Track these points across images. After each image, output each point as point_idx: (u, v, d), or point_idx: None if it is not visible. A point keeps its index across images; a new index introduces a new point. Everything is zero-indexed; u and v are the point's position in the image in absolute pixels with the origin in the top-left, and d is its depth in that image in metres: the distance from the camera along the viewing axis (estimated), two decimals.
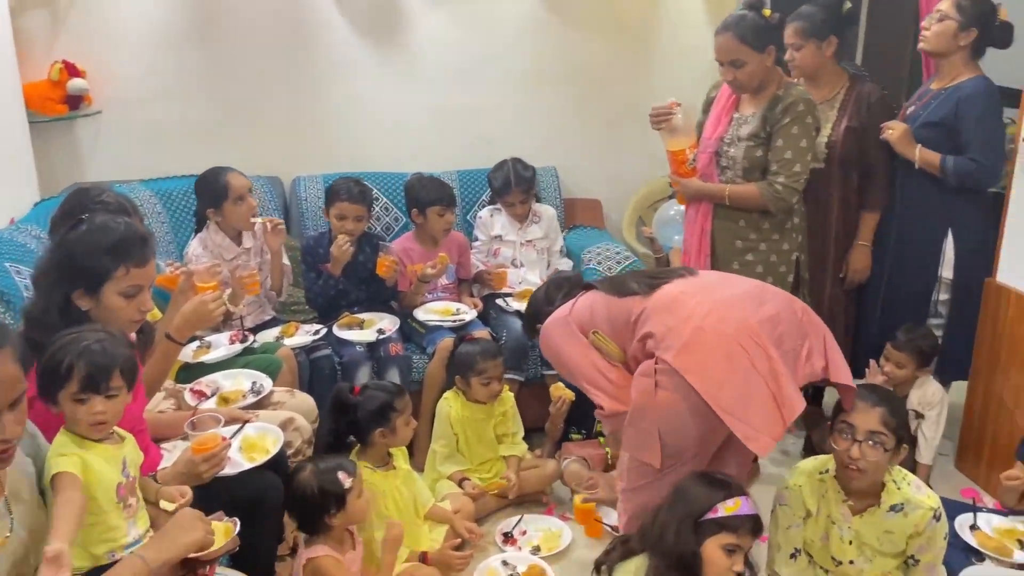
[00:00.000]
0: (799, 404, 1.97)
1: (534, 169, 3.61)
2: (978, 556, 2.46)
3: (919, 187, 3.01)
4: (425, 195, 3.37)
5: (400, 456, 2.63)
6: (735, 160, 2.80)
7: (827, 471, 2.17)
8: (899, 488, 2.12)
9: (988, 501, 2.79)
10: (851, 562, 2.19)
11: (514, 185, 3.53)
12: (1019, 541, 2.51)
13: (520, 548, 2.72)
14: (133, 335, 2.02)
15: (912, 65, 3.01)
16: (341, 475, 2.17)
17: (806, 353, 2.07)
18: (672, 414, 2.02)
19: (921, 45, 2.99)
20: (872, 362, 2.99)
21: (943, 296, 3.08)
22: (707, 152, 2.87)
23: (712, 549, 1.86)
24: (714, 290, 2.12)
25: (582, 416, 3.15)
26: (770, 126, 2.74)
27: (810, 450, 3.25)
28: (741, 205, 2.80)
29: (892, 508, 2.12)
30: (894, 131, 2.94)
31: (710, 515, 1.88)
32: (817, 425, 3.26)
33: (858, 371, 3.28)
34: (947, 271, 3.04)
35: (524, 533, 2.80)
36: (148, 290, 1.99)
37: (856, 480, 2.07)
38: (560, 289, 2.45)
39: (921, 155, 2.92)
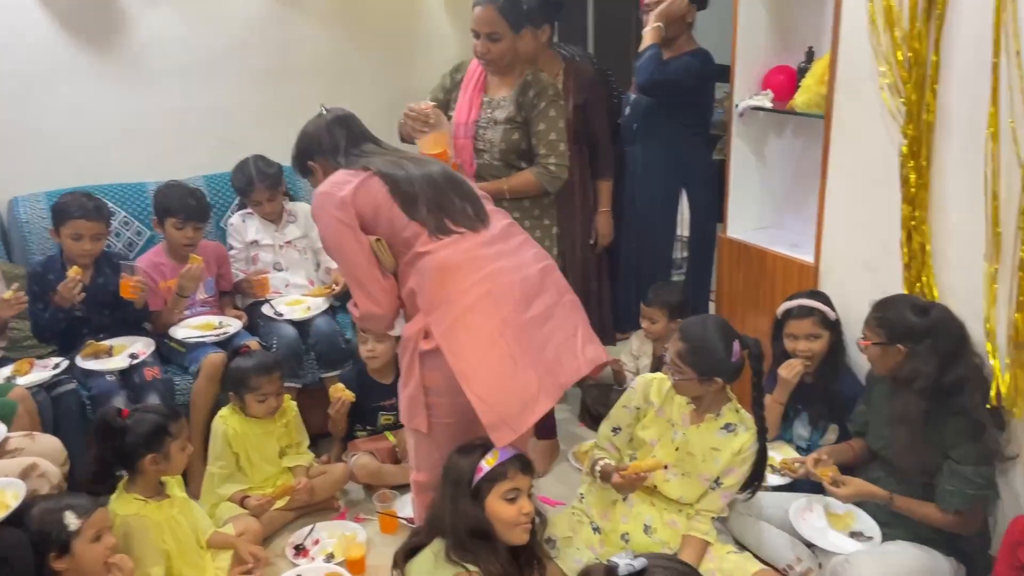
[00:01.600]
0: (544, 404, 2.03)
1: (279, 166, 3.44)
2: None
3: (654, 155, 3.31)
4: (161, 204, 3.13)
5: (174, 484, 2.43)
6: (492, 143, 2.86)
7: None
8: (737, 411, 2.39)
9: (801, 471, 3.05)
10: (667, 467, 2.36)
11: (257, 183, 3.36)
12: (770, 467, 2.81)
13: (313, 559, 2.63)
14: None
15: (638, 43, 3.23)
16: (68, 515, 1.94)
17: (582, 342, 2.17)
18: (435, 383, 2.08)
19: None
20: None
21: (684, 254, 3.40)
22: (466, 137, 2.91)
23: (494, 504, 1.92)
24: (498, 270, 2.11)
25: (366, 412, 3.10)
26: (526, 111, 2.82)
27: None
28: (520, 194, 2.87)
29: (726, 426, 2.35)
30: None
31: (478, 476, 1.93)
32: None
33: (621, 328, 3.52)
34: (684, 229, 3.36)
35: (317, 542, 2.71)
36: None
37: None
38: (343, 129, 2.29)
39: None
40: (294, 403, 2.94)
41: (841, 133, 2.69)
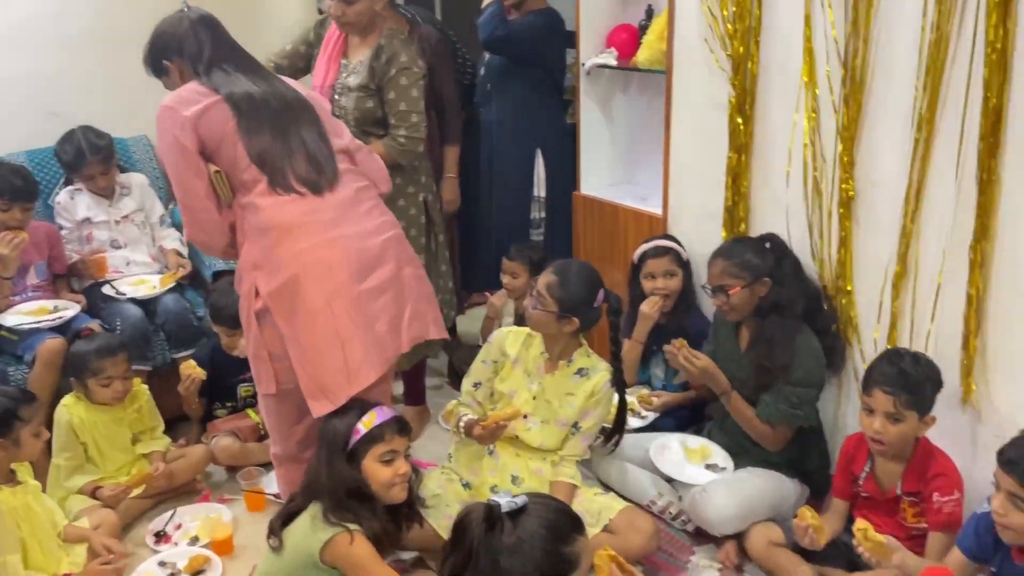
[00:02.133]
0: (368, 377, 2.03)
1: (110, 136, 3.22)
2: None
3: (508, 116, 3.33)
4: None
5: (24, 471, 2.27)
6: (347, 110, 2.78)
7: (531, 334, 2.47)
8: (588, 355, 2.43)
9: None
10: (526, 417, 2.41)
11: (89, 156, 3.12)
12: (631, 410, 2.92)
13: (176, 543, 2.52)
14: None
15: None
16: None
17: (408, 318, 2.16)
18: (272, 345, 2.05)
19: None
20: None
21: (542, 214, 3.45)
22: None
23: (371, 465, 1.91)
24: (335, 237, 2.06)
25: (225, 389, 2.99)
26: (378, 79, 2.74)
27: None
28: None
29: (579, 371, 2.40)
30: None
31: (354, 438, 1.91)
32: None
33: (480, 290, 3.53)
34: (541, 190, 3.42)
35: (179, 527, 2.60)
36: None
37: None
38: (208, 32, 2.12)
39: None
40: (145, 387, 2.79)
41: (681, 88, 2.80)
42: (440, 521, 2.30)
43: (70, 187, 3.23)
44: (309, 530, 1.85)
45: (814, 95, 2.36)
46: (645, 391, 2.89)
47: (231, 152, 2.02)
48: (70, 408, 2.59)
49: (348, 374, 2.02)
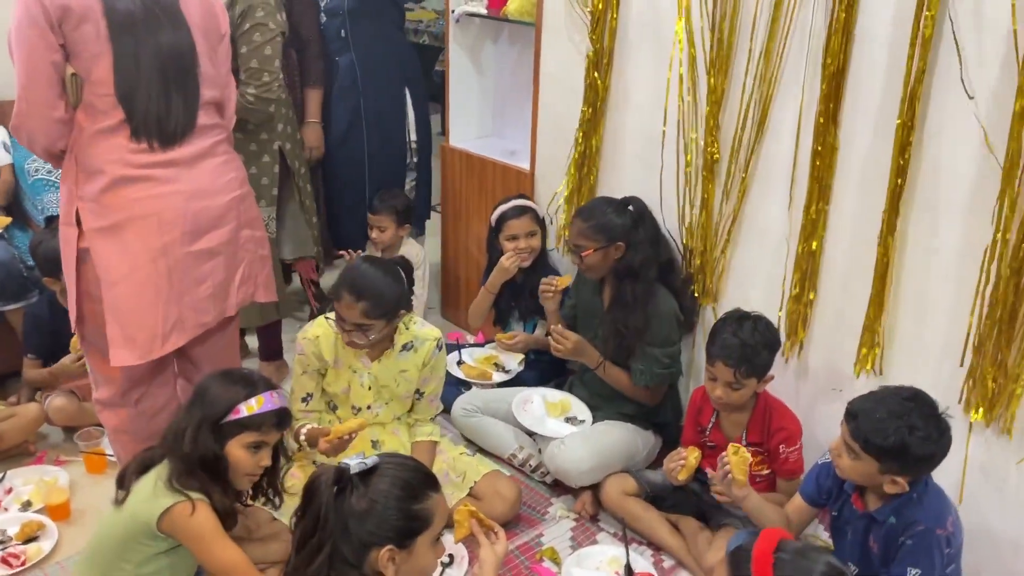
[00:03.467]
0: (175, 343, 2.01)
1: None
2: (467, 386, 2.83)
3: (374, 59, 3.20)
4: None
5: None
6: None
7: None
8: (407, 328, 2.33)
9: (469, 339, 3.18)
10: (369, 407, 2.34)
11: None
12: (495, 364, 2.94)
13: (7, 509, 2.34)
14: None
15: None
16: None
17: (239, 280, 2.12)
18: (90, 282, 1.97)
19: None
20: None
21: (414, 159, 3.38)
22: None
23: (236, 449, 1.79)
24: (173, 193, 1.95)
25: (63, 345, 2.75)
26: (232, 30, 2.55)
27: None
28: None
29: (404, 347, 2.33)
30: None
31: (231, 416, 1.78)
32: None
33: (348, 243, 3.40)
34: (412, 133, 3.34)
35: (10, 491, 2.41)
36: None
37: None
38: None
39: None
40: None
41: (549, 41, 2.78)
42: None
43: None
44: (150, 494, 1.74)
45: (686, 55, 2.37)
46: (501, 334, 2.89)
47: (91, 66, 1.85)
48: None
49: (159, 336, 1.98)
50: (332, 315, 2.30)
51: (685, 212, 2.50)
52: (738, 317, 2.14)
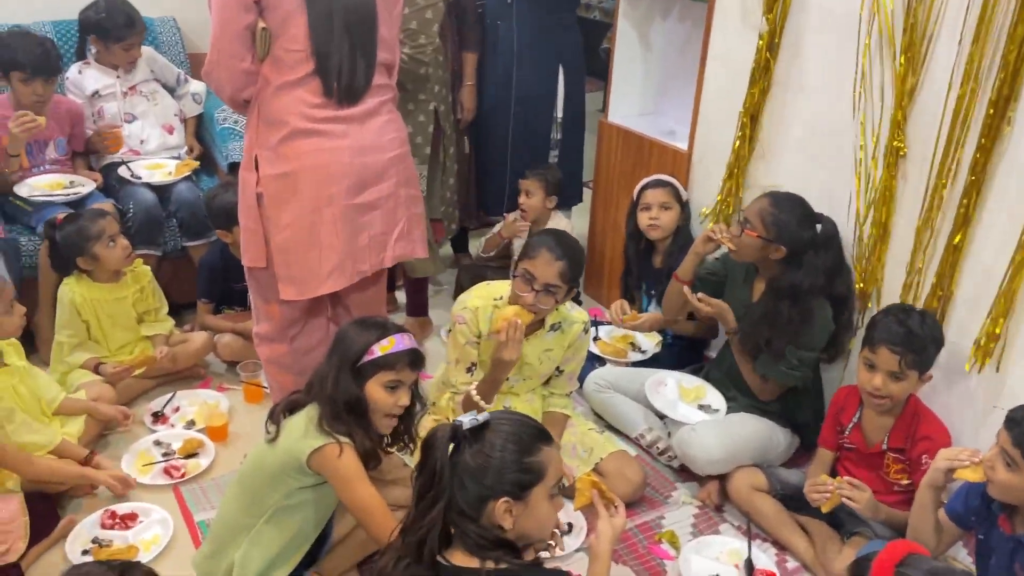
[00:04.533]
0: (334, 286, 2.13)
1: None
2: (600, 361, 2.83)
3: (532, 33, 3.22)
4: (4, 56, 2.83)
5: (13, 352, 2.30)
6: None
7: (501, 298, 2.30)
8: (558, 309, 2.32)
9: (607, 316, 3.17)
10: (508, 378, 2.35)
11: (139, 23, 3.09)
12: (631, 344, 2.93)
13: (173, 425, 2.58)
14: None
15: None
16: None
17: (397, 236, 2.22)
18: (265, 221, 2.11)
19: None
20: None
21: (558, 135, 3.39)
22: None
23: (374, 389, 1.87)
24: (342, 148, 2.08)
25: (234, 293, 2.96)
26: None
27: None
28: None
29: (552, 327, 2.34)
30: None
31: (367, 357, 1.87)
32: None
33: (487, 209, 3.46)
34: (559, 110, 3.35)
35: (177, 410, 2.66)
36: None
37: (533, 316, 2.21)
38: None
39: None
40: (147, 268, 2.80)
41: (721, 19, 2.70)
42: None
43: (79, 62, 3.18)
44: (302, 433, 1.86)
45: (869, 42, 2.23)
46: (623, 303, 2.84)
47: (284, 23, 1.99)
48: (71, 287, 2.61)
49: (318, 278, 2.10)
50: (490, 285, 2.34)
51: (860, 209, 2.37)
52: (904, 308, 2.05)
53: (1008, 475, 1.63)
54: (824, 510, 2.01)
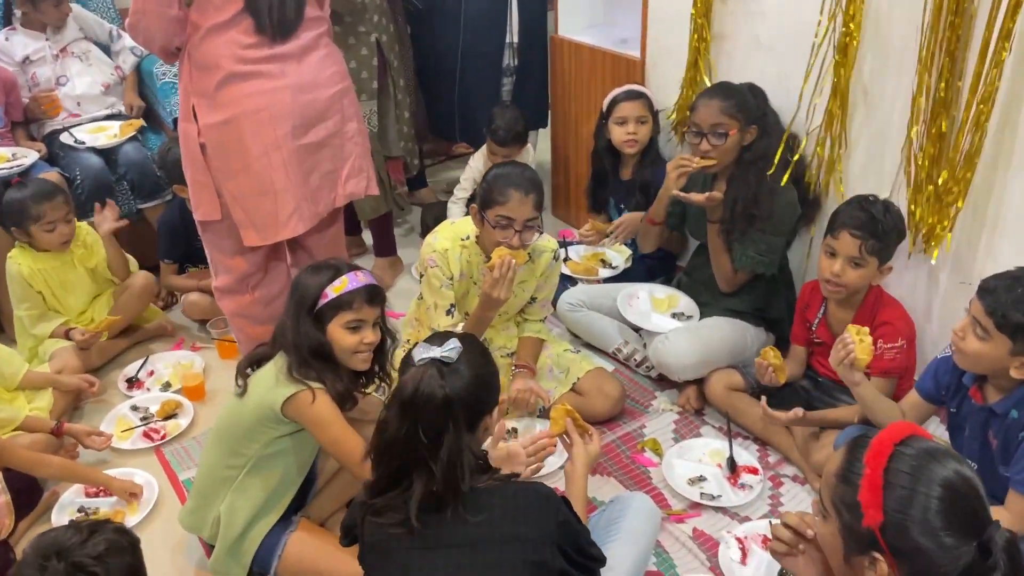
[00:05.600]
0: (295, 229, 2.10)
1: None
2: (573, 281, 2.82)
3: None
4: None
5: None
6: None
7: (468, 237, 2.24)
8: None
9: (576, 236, 3.14)
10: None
11: None
12: (602, 261, 2.91)
13: (149, 389, 2.57)
14: None
15: None
16: None
17: (347, 174, 2.19)
18: (214, 168, 2.06)
19: None
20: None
21: (514, 61, 3.29)
22: None
23: (336, 330, 1.85)
24: (282, 88, 2.02)
25: (195, 250, 2.85)
26: None
27: None
28: None
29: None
30: None
31: (322, 301, 1.85)
32: None
33: (441, 132, 3.45)
34: (513, 35, 3.24)
35: (151, 373, 2.64)
36: None
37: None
38: None
39: None
40: (95, 234, 2.72)
41: None
42: None
43: (5, 28, 3.05)
44: (272, 383, 1.84)
45: None
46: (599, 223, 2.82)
47: None
48: (17, 259, 2.55)
49: (277, 223, 2.07)
50: (453, 224, 2.29)
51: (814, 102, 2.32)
52: (868, 197, 2.03)
53: (979, 345, 1.63)
54: (782, 381, 2.06)
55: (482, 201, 2.16)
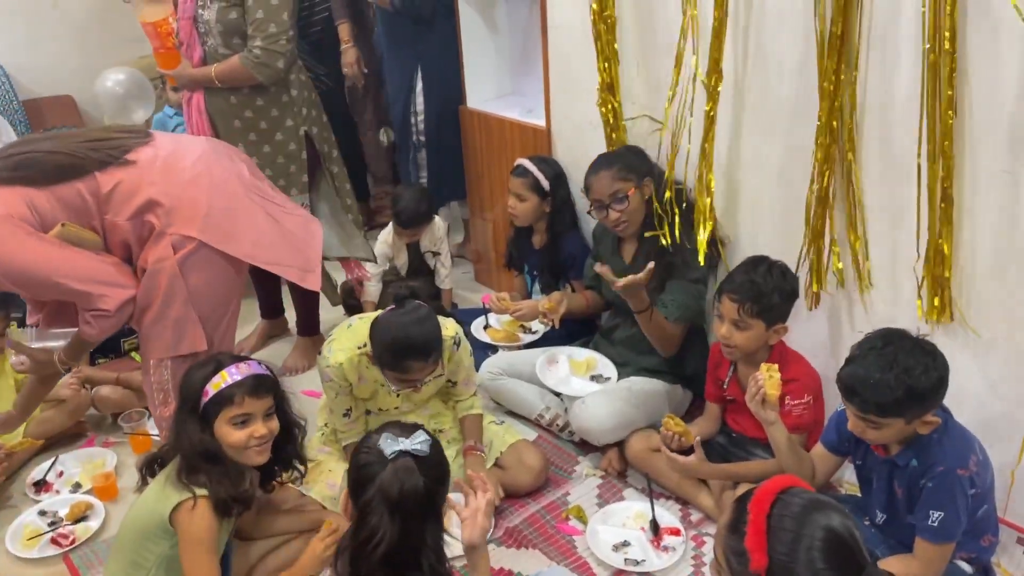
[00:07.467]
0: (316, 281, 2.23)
1: None
2: (494, 349, 2.82)
3: (392, 32, 3.21)
4: None
5: None
6: (210, 24, 2.60)
7: (365, 344, 2.15)
8: None
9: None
10: (397, 407, 2.33)
11: None
12: (522, 326, 2.92)
13: (59, 491, 2.47)
14: None
15: None
16: None
17: None
18: (208, 290, 2.05)
19: None
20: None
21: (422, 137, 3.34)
22: (185, 18, 2.65)
23: (221, 427, 1.78)
24: (187, 152, 2.07)
25: (107, 341, 2.81)
26: None
27: None
28: (232, 83, 2.62)
29: None
30: None
31: (204, 399, 1.78)
32: None
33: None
34: (418, 107, 3.30)
35: (61, 474, 2.53)
36: None
37: None
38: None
39: None
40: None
41: None
42: (321, 490, 2.24)
43: None
44: (159, 491, 1.77)
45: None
46: (504, 294, 2.79)
47: (49, 202, 1.94)
48: None
49: (304, 241, 2.23)
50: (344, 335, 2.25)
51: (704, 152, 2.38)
52: (754, 260, 2.08)
53: (879, 433, 1.68)
54: (689, 443, 2.07)
55: (381, 363, 2.11)
